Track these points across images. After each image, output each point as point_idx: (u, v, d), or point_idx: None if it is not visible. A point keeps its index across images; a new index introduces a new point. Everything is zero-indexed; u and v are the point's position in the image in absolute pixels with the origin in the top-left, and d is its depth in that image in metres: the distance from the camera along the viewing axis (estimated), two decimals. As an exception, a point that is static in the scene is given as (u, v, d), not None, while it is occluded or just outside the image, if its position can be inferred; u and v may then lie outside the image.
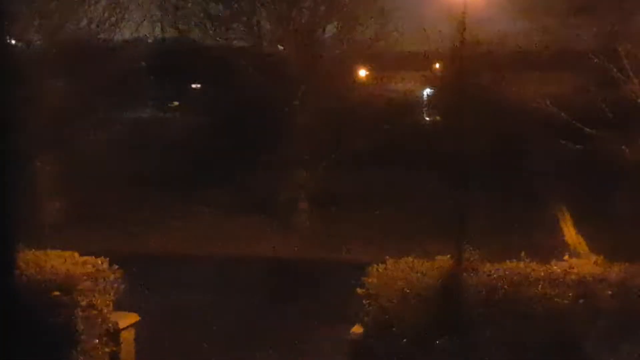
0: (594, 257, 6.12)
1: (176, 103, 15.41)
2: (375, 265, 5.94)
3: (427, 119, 15.08)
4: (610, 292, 5.56)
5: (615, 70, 8.98)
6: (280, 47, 12.68)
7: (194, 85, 15.37)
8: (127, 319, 6.04)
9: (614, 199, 8.60)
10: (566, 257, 5.78)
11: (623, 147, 9.24)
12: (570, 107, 9.00)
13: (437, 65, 13.34)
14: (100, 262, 5.90)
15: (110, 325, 5.84)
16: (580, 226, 6.31)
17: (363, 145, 11.87)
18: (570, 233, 6.44)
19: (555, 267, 5.68)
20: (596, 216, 8.17)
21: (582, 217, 6.74)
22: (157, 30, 12.95)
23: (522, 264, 5.77)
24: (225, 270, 9.27)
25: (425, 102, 14.91)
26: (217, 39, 12.47)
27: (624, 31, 8.87)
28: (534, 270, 5.67)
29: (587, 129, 9.11)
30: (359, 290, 5.82)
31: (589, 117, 9.08)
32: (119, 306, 6.02)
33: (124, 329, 5.98)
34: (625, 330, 5.32)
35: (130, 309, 6.13)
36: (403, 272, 5.90)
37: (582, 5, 8.55)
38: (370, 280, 5.86)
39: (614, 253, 6.25)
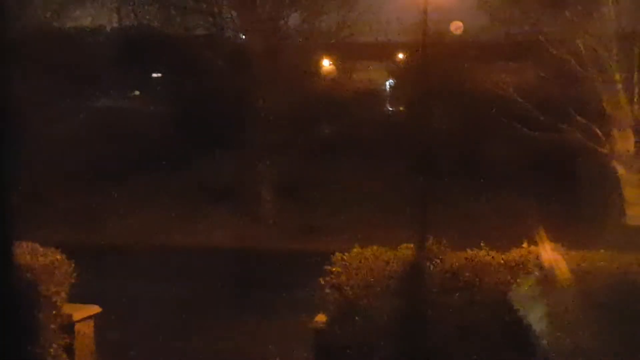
0: (552, 245, 6.23)
1: (137, 92, 15.23)
2: (339, 254, 5.97)
3: (391, 108, 15.16)
4: (570, 278, 5.67)
5: (574, 62, 9.14)
6: (243, 36, 12.61)
7: (155, 75, 15.19)
8: (84, 311, 5.94)
9: (575, 187, 8.77)
10: (525, 244, 5.86)
11: (580, 136, 9.41)
12: (532, 97, 9.13)
13: (401, 56, 13.41)
14: (54, 253, 5.82)
15: (64, 317, 5.75)
16: (539, 214, 6.42)
17: (327, 134, 11.90)
18: (530, 221, 6.53)
19: (514, 255, 5.77)
20: (556, 203, 8.32)
21: (542, 205, 6.86)
22: (116, 18, 12.76)
23: (482, 252, 5.85)
24: (188, 260, 9.22)
25: (388, 92, 14.98)
26: (179, 27, 12.33)
27: (583, 23, 9.01)
28: (494, 258, 5.75)
29: (548, 118, 9.26)
30: (322, 279, 5.84)
31: (550, 106, 9.23)
32: (76, 298, 5.94)
33: (78, 321, 5.88)
34: (582, 313, 5.44)
35: (87, 300, 6.06)
36: (367, 261, 5.93)
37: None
38: (334, 269, 5.88)
39: (573, 240, 6.37)
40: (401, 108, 14.48)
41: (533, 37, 8.95)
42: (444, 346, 5.37)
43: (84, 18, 11.89)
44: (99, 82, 13.22)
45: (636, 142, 9.54)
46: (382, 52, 12.90)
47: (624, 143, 9.59)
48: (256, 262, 9.41)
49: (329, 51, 13.27)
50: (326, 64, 13.86)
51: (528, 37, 8.94)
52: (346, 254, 6.06)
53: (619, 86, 9.35)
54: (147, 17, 12.57)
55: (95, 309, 6.02)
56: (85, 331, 5.94)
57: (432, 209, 6.75)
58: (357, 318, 5.61)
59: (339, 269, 5.89)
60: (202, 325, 7.42)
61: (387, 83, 14.81)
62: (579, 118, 9.25)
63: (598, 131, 9.46)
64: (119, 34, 13.18)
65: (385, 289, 5.66)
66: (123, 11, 12.59)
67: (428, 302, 5.49)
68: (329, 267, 5.91)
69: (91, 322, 5.99)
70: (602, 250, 6.07)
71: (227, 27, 12.57)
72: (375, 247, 6.10)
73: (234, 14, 12.46)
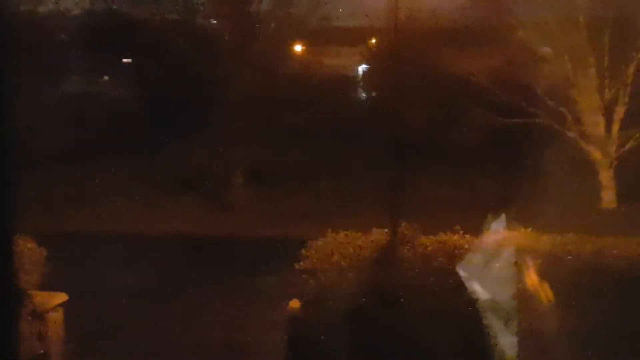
0: (523, 229, 6.28)
1: (106, 77, 14.96)
2: (313, 240, 5.96)
3: (363, 94, 15.12)
4: (540, 262, 5.72)
5: (545, 46, 9.18)
6: (214, 21, 12.45)
7: (125, 60, 14.94)
8: (54, 299, 5.88)
9: (547, 171, 8.83)
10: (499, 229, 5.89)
11: (552, 121, 9.47)
12: (502, 82, 9.15)
13: (373, 41, 13.36)
14: (24, 240, 5.72)
15: (35, 305, 5.67)
16: (512, 199, 6.45)
17: (299, 121, 11.82)
18: (503, 205, 6.57)
19: (488, 239, 5.80)
20: (528, 188, 8.35)
21: (514, 189, 6.89)
22: (85, 2, 12.49)
23: (456, 236, 5.86)
24: (157, 249, 9.09)
25: (361, 78, 14.94)
26: (148, 12, 12.12)
27: (556, 5, 9.04)
28: (467, 242, 5.77)
29: (518, 103, 9.30)
30: (296, 264, 5.82)
31: (520, 91, 9.27)
32: (46, 286, 5.86)
33: (50, 309, 5.83)
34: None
35: (57, 289, 5.98)
36: (340, 246, 5.93)
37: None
38: (308, 254, 5.86)
39: (544, 224, 6.42)
40: (373, 93, 14.45)
41: (504, 21, 8.96)
42: (417, 329, 5.38)
43: (48, 0, 11.62)
44: (64, 68, 12.98)
45: (607, 126, 9.63)
46: (355, 36, 12.84)
47: (595, 128, 9.68)
48: (230, 249, 9.34)
49: (302, 36, 13.18)
50: (298, 48, 13.77)
51: (499, 22, 8.95)
52: (320, 239, 6.05)
53: (591, 71, 9.41)
54: (116, 0, 12.34)
55: (63, 297, 5.94)
56: (57, 319, 5.88)
57: (405, 193, 6.75)
58: (330, 302, 5.59)
59: (313, 254, 5.87)
60: (171, 312, 7.36)
61: (360, 68, 14.76)
62: (549, 102, 9.30)
63: (569, 115, 9.52)
64: (86, 18, 12.92)
65: (359, 273, 5.65)
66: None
67: (401, 286, 5.49)
68: (303, 252, 5.89)
69: (61, 310, 5.93)
70: (571, 234, 6.12)
71: (197, 11, 12.38)
72: (348, 232, 6.10)
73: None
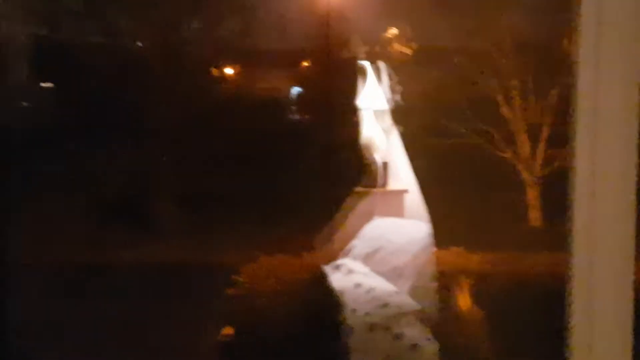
0: (454, 249, 6.35)
1: (25, 104, 14.41)
2: (246, 265, 5.90)
3: (296, 117, 15.11)
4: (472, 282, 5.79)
5: (474, 68, 9.37)
6: (139, 44, 12.24)
7: (44, 85, 14.45)
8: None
9: (477, 191, 8.98)
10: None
11: (481, 141, 9.64)
12: (435, 103, 9.29)
13: (305, 64, 13.39)
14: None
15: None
16: (443, 218, 6.50)
17: (229, 145, 11.68)
18: (434, 226, 6.61)
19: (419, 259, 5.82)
20: (458, 208, 8.46)
21: (445, 209, 6.95)
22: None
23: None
24: (83, 278, 8.80)
25: (293, 101, 14.93)
26: (70, 34, 11.80)
27: (484, 30, 9.25)
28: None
29: (451, 125, 9.46)
30: (229, 290, 5.73)
31: (452, 113, 9.42)
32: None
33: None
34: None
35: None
36: (274, 270, 5.89)
37: (443, 3, 8.85)
38: (241, 279, 5.80)
39: (474, 243, 6.49)
40: (306, 116, 14.46)
41: (434, 44, 9.10)
42: (353, 347, 5.34)
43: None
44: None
45: (532, 146, 9.86)
46: (285, 58, 12.84)
47: (521, 147, 9.91)
48: (160, 277, 9.11)
49: (231, 59, 13.09)
50: (228, 72, 13.67)
51: (429, 44, 9.07)
52: (253, 263, 5.99)
53: (515, 92, 9.65)
54: (35, 22, 11.96)
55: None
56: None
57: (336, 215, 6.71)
58: (264, 328, 5.52)
59: (246, 279, 5.81)
60: (100, 341, 7.11)
61: (291, 90, 14.76)
62: (480, 125, 9.49)
63: (496, 135, 9.74)
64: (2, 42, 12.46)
65: (293, 297, 5.61)
66: (7, 16, 11.87)
67: (335, 306, 5.46)
68: (236, 278, 5.82)
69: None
70: (501, 252, 6.22)
71: (121, 34, 12.12)
72: (281, 256, 6.07)
73: (128, 21, 12.00)
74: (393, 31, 6.77)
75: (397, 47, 6.53)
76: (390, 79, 6.68)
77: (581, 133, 1.64)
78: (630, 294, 1.60)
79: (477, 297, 5.77)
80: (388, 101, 6.58)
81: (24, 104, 14.62)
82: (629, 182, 1.56)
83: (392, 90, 6.65)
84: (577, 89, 1.63)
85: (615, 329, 1.57)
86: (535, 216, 9.71)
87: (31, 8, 11.60)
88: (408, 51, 6.54)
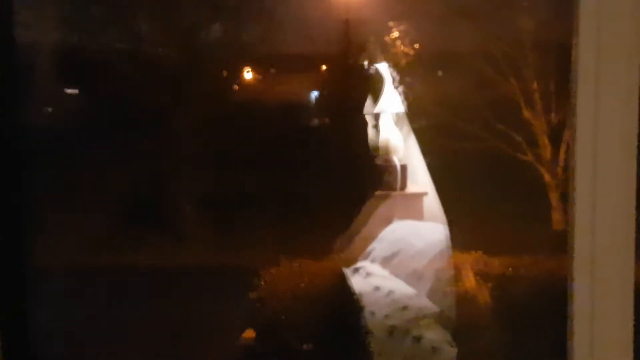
0: (474, 253, 6.34)
1: (49, 109, 14.60)
2: (267, 269, 5.93)
3: (316, 121, 15.13)
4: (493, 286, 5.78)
5: (492, 71, 9.34)
6: (161, 50, 12.37)
7: (69, 91, 14.64)
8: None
9: (493, 196, 8.94)
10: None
11: (502, 144, 9.60)
12: (455, 107, 9.27)
13: (324, 68, 13.40)
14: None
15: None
16: (464, 222, 6.49)
17: (248, 147, 11.73)
18: (454, 229, 6.60)
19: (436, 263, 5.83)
20: (479, 211, 8.42)
21: (464, 212, 6.93)
22: (23, 31, 12.22)
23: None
24: (105, 281, 8.89)
25: (313, 105, 14.96)
26: (93, 41, 11.96)
27: (501, 33, 9.21)
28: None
29: (471, 128, 9.44)
30: (250, 294, 5.78)
31: (472, 116, 9.39)
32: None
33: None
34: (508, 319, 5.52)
35: None
36: (294, 274, 5.92)
37: (461, 8, 8.84)
38: (262, 283, 5.84)
39: (496, 247, 6.46)
40: (325, 119, 14.48)
41: (454, 48, 9.09)
42: (372, 350, 5.35)
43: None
44: (7, 99, 12.64)
45: (553, 148, 9.80)
46: (304, 63, 12.87)
47: (542, 150, 9.85)
48: (180, 280, 9.18)
49: (251, 63, 13.16)
50: (248, 76, 13.74)
51: (449, 47, 9.06)
52: (273, 267, 6.03)
53: (536, 94, 9.60)
54: (59, 29, 12.11)
55: None
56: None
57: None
58: (285, 330, 5.55)
59: (267, 283, 5.85)
60: (123, 343, 7.18)
61: (311, 95, 14.79)
62: (500, 127, 9.46)
63: (518, 138, 9.70)
64: (29, 49, 12.63)
65: (313, 299, 5.64)
66: (34, 25, 12.07)
67: (355, 309, 5.48)
68: (257, 282, 5.86)
69: None
70: (523, 256, 6.19)
71: (143, 40, 12.26)
72: (302, 260, 6.10)
73: (150, 27, 12.15)
74: (409, 35, 6.79)
75: (411, 49, 6.56)
76: (408, 82, 6.69)
77: (581, 134, 1.63)
78: (631, 295, 1.59)
79: (498, 301, 5.75)
80: (406, 104, 6.59)
81: (49, 109, 14.83)
82: (630, 183, 1.56)
83: (411, 93, 6.67)
84: (577, 89, 1.63)
85: (616, 329, 1.56)
86: (557, 219, 9.62)
87: (55, 15, 11.76)
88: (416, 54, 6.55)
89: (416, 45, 7.73)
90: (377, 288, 5.50)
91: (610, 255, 1.63)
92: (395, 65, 6.82)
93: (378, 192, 6.41)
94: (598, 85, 1.64)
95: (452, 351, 5.10)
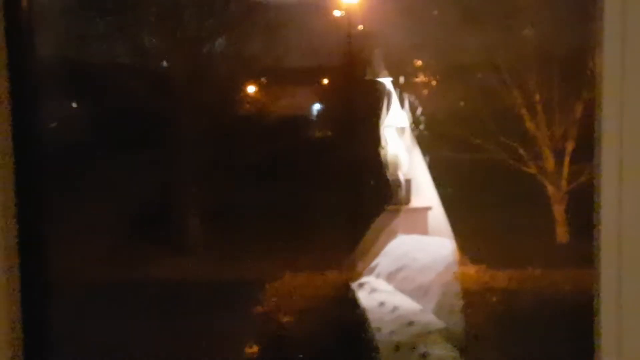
0: (476, 267, 6.31)
1: (55, 124, 14.60)
2: (272, 282, 5.92)
3: (320, 135, 15.14)
4: (495, 299, 5.75)
5: (496, 82, 9.35)
6: (165, 63, 12.41)
7: (74, 104, 14.68)
8: None
9: (500, 208, 8.92)
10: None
11: (505, 156, 9.60)
12: (460, 119, 9.28)
13: (329, 82, 13.42)
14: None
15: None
16: (466, 234, 6.48)
17: (254, 161, 11.74)
18: (457, 241, 6.60)
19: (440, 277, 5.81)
20: (481, 225, 8.40)
21: (468, 225, 6.92)
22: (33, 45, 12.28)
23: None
24: (111, 295, 8.88)
25: (315, 118, 14.98)
26: (97, 56, 12.02)
27: (508, 44, 9.24)
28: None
29: (475, 140, 9.45)
30: (256, 308, 5.77)
31: (476, 128, 9.39)
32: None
33: None
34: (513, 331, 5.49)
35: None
36: (299, 287, 5.91)
37: (466, 18, 8.86)
38: (267, 296, 5.83)
39: (498, 261, 6.44)
40: (329, 133, 14.49)
41: (458, 60, 9.11)
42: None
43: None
44: (11, 115, 12.66)
45: (557, 160, 9.79)
46: (308, 77, 12.90)
47: (546, 162, 9.84)
48: (185, 294, 9.16)
49: (254, 77, 13.19)
50: (251, 90, 13.76)
51: (453, 61, 9.08)
52: (278, 281, 6.01)
53: (540, 107, 9.60)
54: (64, 45, 12.18)
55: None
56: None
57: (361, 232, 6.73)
58: (289, 344, 5.53)
59: (272, 296, 5.84)
60: (128, 357, 7.15)
61: (314, 108, 14.82)
62: (504, 140, 9.47)
63: (521, 151, 9.69)
64: (35, 64, 12.67)
65: (317, 314, 5.62)
66: (37, 39, 12.10)
67: (359, 324, 5.46)
68: (262, 295, 5.85)
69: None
70: (527, 270, 6.17)
71: (148, 54, 12.31)
72: (306, 273, 6.09)
73: (155, 41, 12.20)
74: (416, 47, 6.81)
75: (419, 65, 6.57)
76: (413, 96, 6.70)
77: (607, 148, 1.61)
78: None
79: (504, 315, 5.73)
80: (410, 118, 6.60)
81: (54, 124, 14.85)
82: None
83: (415, 107, 6.67)
84: (602, 103, 1.61)
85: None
86: (561, 232, 9.60)
87: (60, 31, 11.82)
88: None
89: (422, 57, 7.74)
90: (382, 304, 5.49)
91: (637, 268, 1.61)
92: (399, 79, 6.83)
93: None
94: (622, 94, 1.63)
95: None
